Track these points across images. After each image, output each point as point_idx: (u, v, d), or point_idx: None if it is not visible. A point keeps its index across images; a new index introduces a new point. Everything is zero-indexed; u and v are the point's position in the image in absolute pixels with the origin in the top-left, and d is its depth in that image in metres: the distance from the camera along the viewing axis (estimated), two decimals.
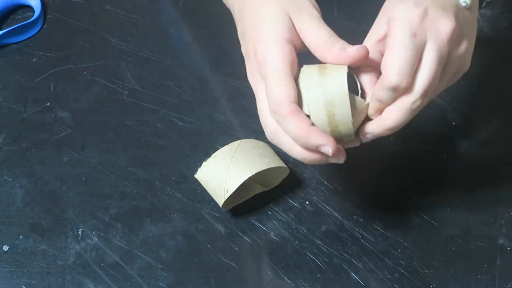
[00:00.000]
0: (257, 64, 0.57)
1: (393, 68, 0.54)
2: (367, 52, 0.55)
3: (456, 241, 0.68)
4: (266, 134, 0.58)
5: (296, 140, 0.55)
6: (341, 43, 0.56)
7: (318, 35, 0.56)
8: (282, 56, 0.55)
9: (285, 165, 0.68)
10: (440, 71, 0.55)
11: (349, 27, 0.79)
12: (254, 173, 0.65)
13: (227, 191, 0.65)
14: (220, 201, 0.66)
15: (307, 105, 0.55)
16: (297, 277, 0.66)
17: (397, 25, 0.54)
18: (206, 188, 0.68)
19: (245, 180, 0.65)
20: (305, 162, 0.56)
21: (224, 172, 0.66)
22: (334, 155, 0.54)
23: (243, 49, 0.60)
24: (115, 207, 0.70)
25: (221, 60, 0.79)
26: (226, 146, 0.67)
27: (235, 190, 0.65)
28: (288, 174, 0.70)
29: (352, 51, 0.55)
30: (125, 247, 0.68)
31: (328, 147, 0.54)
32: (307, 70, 0.56)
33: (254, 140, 0.69)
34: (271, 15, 0.57)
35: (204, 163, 0.67)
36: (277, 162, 0.68)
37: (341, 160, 0.56)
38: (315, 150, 0.55)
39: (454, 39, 0.55)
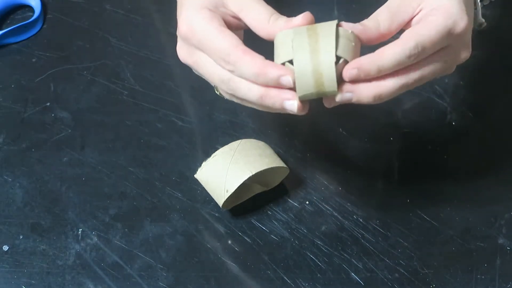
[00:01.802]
0: (187, 37, 0.57)
1: (422, 41, 0.53)
2: (313, 18, 0.55)
3: (456, 241, 0.68)
4: (221, 92, 0.58)
5: (255, 77, 0.54)
6: (284, 18, 0.56)
7: (259, 14, 0.56)
8: (206, 18, 0.55)
9: (285, 165, 0.68)
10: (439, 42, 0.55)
11: None
12: (254, 173, 0.65)
13: (227, 191, 0.65)
14: (220, 201, 0.66)
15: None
16: (297, 277, 0.66)
17: (443, 17, 0.54)
18: (206, 188, 0.68)
19: (245, 180, 0.65)
20: (263, 104, 0.55)
21: (224, 172, 0.65)
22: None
23: (177, 32, 0.60)
24: (115, 207, 0.70)
25: None
26: (226, 146, 0.67)
27: (235, 190, 0.65)
28: (288, 174, 0.70)
29: (298, 20, 0.55)
30: (125, 247, 0.68)
31: (288, 77, 0.53)
32: (296, 33, 0.54)
33: (254, 140, 0.69)
34: None
35: (204, 163, 0.67)
36: (277, 162, 0.68)
37: (300, 109, 0.54)
38: (274, 85, 0.54)
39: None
